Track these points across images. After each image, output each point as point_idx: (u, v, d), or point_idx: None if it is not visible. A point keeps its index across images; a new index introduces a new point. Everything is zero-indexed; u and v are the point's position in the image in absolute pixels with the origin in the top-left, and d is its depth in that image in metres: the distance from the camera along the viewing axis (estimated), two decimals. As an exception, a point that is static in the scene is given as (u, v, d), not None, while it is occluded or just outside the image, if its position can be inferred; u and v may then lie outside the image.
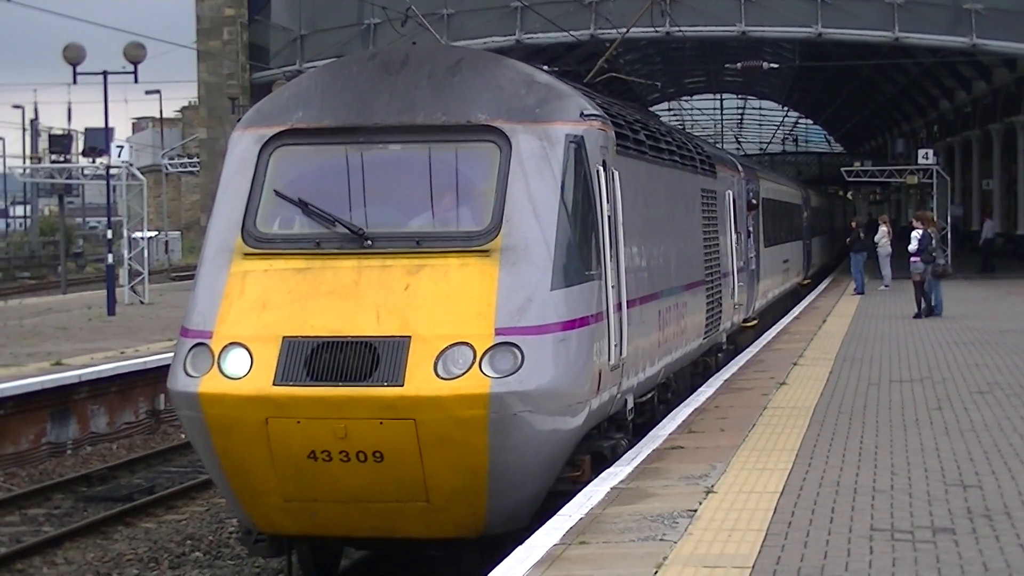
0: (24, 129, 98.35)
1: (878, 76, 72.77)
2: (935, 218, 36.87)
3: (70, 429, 22.29)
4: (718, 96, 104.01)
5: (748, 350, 23.89)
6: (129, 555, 15.71)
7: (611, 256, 12.75)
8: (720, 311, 20.97)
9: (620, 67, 60.11)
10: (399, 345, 10.98)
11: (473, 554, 11.69)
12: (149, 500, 18.39)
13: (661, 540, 9.66)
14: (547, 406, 11.17)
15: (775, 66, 61.08)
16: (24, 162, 76.40)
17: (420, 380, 10.86)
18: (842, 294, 39.75)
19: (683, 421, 15.47)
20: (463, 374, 10.90)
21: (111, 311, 36.38)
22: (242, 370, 11.14)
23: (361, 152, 12.04)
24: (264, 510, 11.53)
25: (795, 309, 34.58)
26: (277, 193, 11.93)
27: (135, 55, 38.80)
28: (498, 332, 11.05)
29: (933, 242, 30.21)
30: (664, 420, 15.64)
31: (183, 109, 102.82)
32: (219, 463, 11.41)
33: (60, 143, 49.44)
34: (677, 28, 44.99)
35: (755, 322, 27.01)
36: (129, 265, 42.80)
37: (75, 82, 38.96)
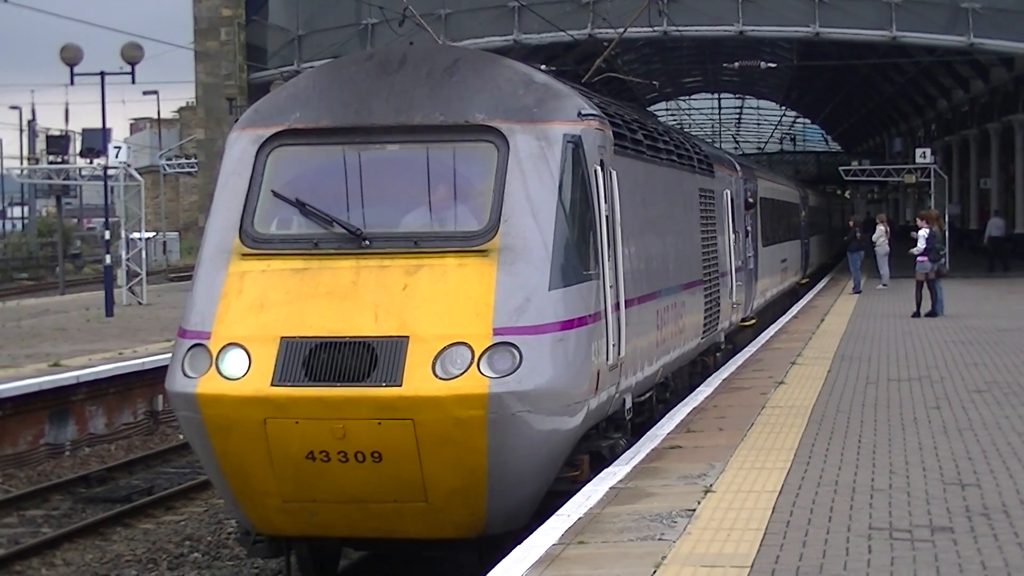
0: (21, 130, 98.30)
1: (876, 75, 72.79)
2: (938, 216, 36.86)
3: (68, 430, 22.29)
4: (716, 96, 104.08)
5: (746, 349, 23.89)
6: (128, 556, 15.71)
7: (609, 256, 12.75)
8: (718, 310, 20.97)
9: (618, 67, 60.06)
10: (397, 345, 10.97)
11: (472, 554, 11.69)
12: (148, 501, 18.39)
13: (660, 539, 9.66)
14: (545, 406, 11.17)
15: (773, 65, 61.13)
16: (22, 163, 76.33)
17: (418, 380, 10.86)
18: (840, 293, 39.76)
19: (681, 420, 15.47)
20: (461, 374, 10.90)
21: (109, 312, 36.38)
22: (240, 371, 11.14)
23: (359, 152, 12.04)
24: (263, 511, 11.53)
25: (793, 308, 34.59)
26: (275, 193, 11.93)
27: (132, 56, 38.80)
28: (496, 332, 11.05)
29: (939, 241, 30.25)
30: (662, 420, 15.65)
31: (181, 110, 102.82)
32: (217, 464, 11.41)
33: (58, 144, 49.46)
34: (675, 28, 45.01)
35: (753, 321, 27.01)
36: (127, 266, 42.79)
37: (72, 83, 38.98)
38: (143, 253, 43.53)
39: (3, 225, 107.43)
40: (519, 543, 9.88)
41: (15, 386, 21.23)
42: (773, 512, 10.40)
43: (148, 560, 15.48)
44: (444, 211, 11.83)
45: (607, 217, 12.81)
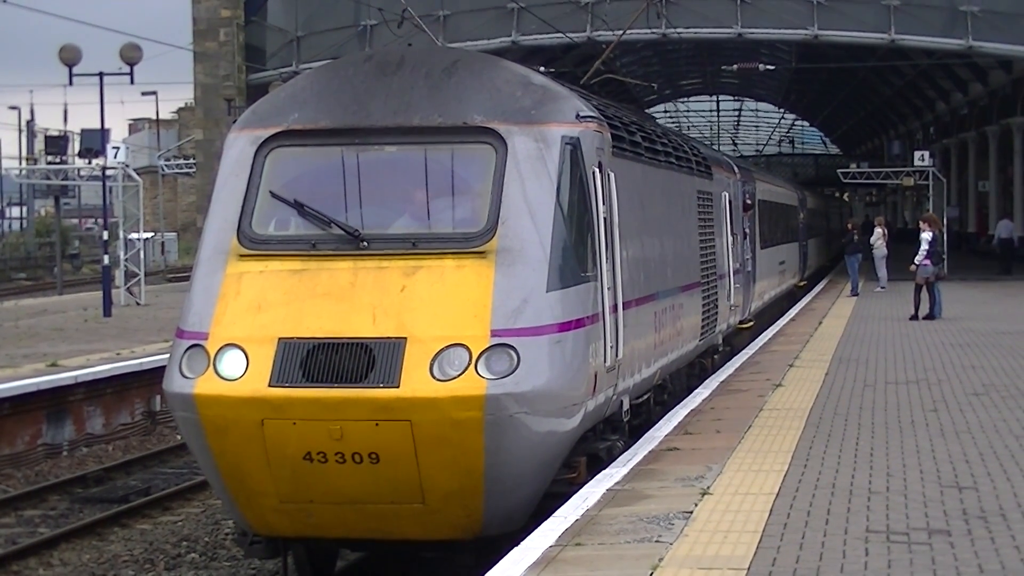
0: (20, 130, 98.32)
1: (874, 78, 72.84)
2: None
3: (66, 430, 22.28)
4: (714, 98, 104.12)
5: (744, 352, 23.90)
6: (125, 556, 15.71)
7: (607, 258, 12.75)
8: (716, 313, 20.98)
9: (616, 69, 60.20)
10: (395, 346, 10.97)
11: (469, 555, 11.68)
12: (145, 501, 18.38)
13: (657, 542, 9.66)
14: (543, 408, 11.17)
15: (771, 68, 61.27)
16: (20, 163, 76.23)
17: (416, 381, 10.86)
18: (838, 296, 39.77)
19: (679, 423, 15.47)
20: (459, 376, 10.90)
21: (107, 312, 36.37)
22: (238, 371, 11.14)
23: (357, 153, 12.04)
24: (260, 511, 11.53)
25: (791, 311, 34.59)
26: (273, 194, 11.92)
27: (131, 56, 38.79)
28: (494, 334, 11.05)
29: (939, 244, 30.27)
30: (660, 422, 15.65)
31: (179, 110, 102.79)
32: (215, 464, 11.41)
33: (56, 144, 49.45)
34: (673, 30, 45.05)
35: (751, 324, 27.01)
36: (125, 266, 42.79)
37: (71, 83, 38.97)
38: (141, 253, 43.55)
39: (6, 225, 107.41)
40: (516, 545, 9.87)
41: (13, 386, 21.22)
42: (770, 514, 10.40)
43: (145, 560, 15.47)
44: (442, 212, 11.83)
45: (605, 219, 12.81)
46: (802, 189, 51.45)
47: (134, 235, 45.34)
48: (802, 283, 44.70)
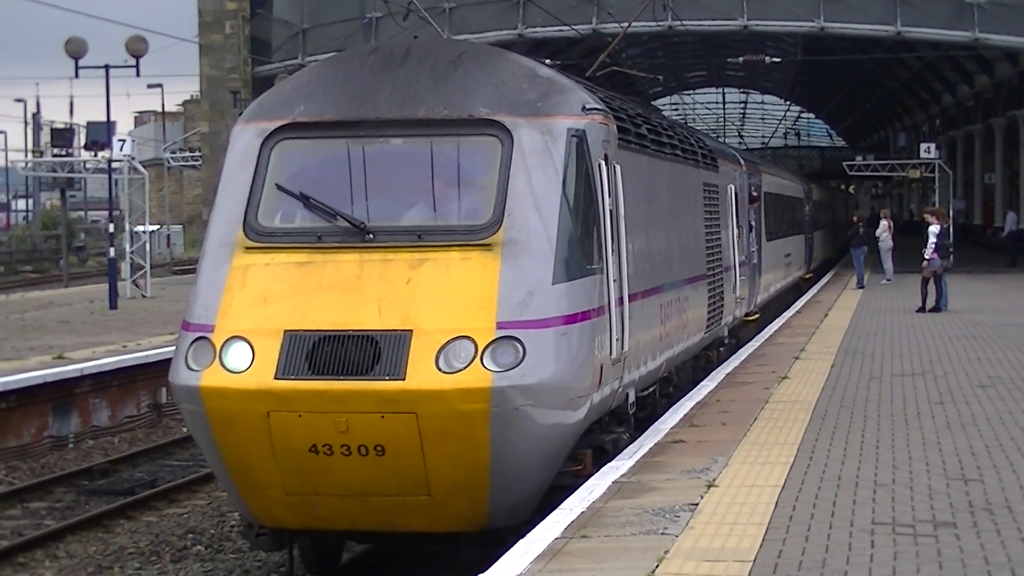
0: (26, 123, 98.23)
1: (880, 70, 72.75)
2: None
3: (72, 423, 22.31)
4: (720, 90, 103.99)
5: (750, 344, 23.89)
6: (131, 548, 15.72)
7: (613, 250, 12.75)
8: (722, 305, 20.97)
9: (622, 61, 60.17)
10: (401, 339, 10.98)
11: (474, 548, 11.69)
12: (151, 494, 18.40)
13: (662, 534, 9.66)
14: (549, 400, 11.18)
15: (777, 60, 61.17)
16: (26, 156, 76.33)
17: (422, 374, 10.86)
18: (844, 288, 39.73)
19: (685, 415, 15.47)
20: (465, 368, 10.90)
21: (113, 305, 36.39)
22: (244, 364, 11.15)
23: (363, 146, 12.04)
24: (266, 504, 11.54)
25: (797, 303, 34.57)
26: (279, 187, 11.93)
27: (137, 49, 38.76)
28: (500, 326, 11.05)
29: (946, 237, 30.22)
30: (666, 414, 15.65)
31: (185, 103, 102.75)
32: (221, 457, 11.42)
33: (62, 137, 49.42)
34: (679, 22, 45.01)
35: (757, 316, 27.01)
36: (131, 259, 42.80)
37: (77, 76, 38.91)
38: (147, 246, 43.53)
39: (12, 218, 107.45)
40: (521, 537, 9.88)
41: (19, 378, 21.24)
42: (776, 507, 10.40)
43: (151, 553, 15.49)
44: (448, 205, 11.83)
45: (611, 211, 12.80)
46: (808, 181, 51.40)
47: (140, 228, 45.30)
48: (808, 275, 44.67)
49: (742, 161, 26.66)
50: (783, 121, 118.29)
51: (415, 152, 12.00)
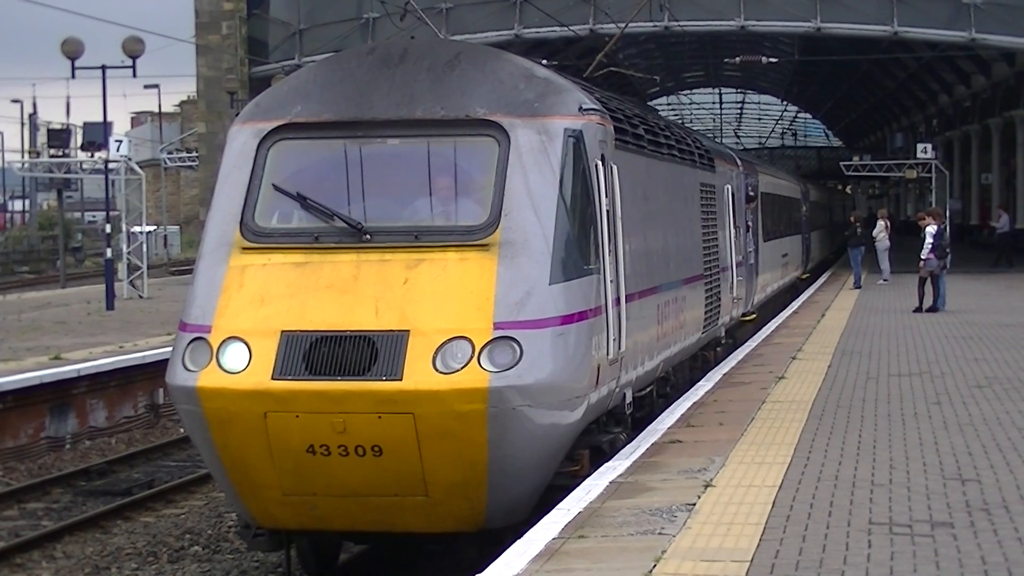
0: (23, 123, 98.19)
1: (877, 70, 72.78)
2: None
3: (69, 423, 22.30)
4: (717, 90, 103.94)
5: (747, 344, 23.90)
6: (128, 549, 15.71)
7: (610, 250, 12.75)
8: (719, 305, 20.98)
9: (619, 61, 60.13)
10: (398, 339, 10.98)
11: (472, 548, 11.70)
12: (148, 494, 18.40)
13: (660, 534, 9.66)
14: (546, 400, 11.18)
15: (774, 60, 61.19)
16: (23, 156, 76.23)
17: (419, 374, 10.86)
18: (841, 288, 39.74)
19: (682, 415, 15.47)
20: (462, 368, 10.91)
21: (110, 305, 36.39)
22: (241, 364, 11.15)
23: (360, 146, 12.05)
24: (263, 504, 11.54)
25: (794, 303, 34.59)
26: (275, 187, 11.93)
27: (134, 49, 38.77)
28: (497, 326, 11.06)
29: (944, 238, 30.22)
30: (663, 414, 15.65)
31: (182, 103, 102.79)
32: (218, 457, 11.42)
33: (59, 137, 49.37)
34: (676, 22, 45.03)
35: (754, 316, 27.01)
36: (128, 259, 42.79)
37: (73, 76, 38.93)
38: (144, 247, 43.50)
39: (9, 218, 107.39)
40: (519, 537, 9.88)
41: (16, 379, 21.23)
42: (773, 507, 10.41)
43: (148, 553, 15.48)
44: (445, 205, 11.83)
45: (608, 212, 12.81)
46: (805, 182, 51.40)
47: (137, 228, 45.27)
48: (805, 276, 44.67)
49: (739, 161, 26.66)
50: (780, 121, 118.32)
51: (412, 152, 12.01)
